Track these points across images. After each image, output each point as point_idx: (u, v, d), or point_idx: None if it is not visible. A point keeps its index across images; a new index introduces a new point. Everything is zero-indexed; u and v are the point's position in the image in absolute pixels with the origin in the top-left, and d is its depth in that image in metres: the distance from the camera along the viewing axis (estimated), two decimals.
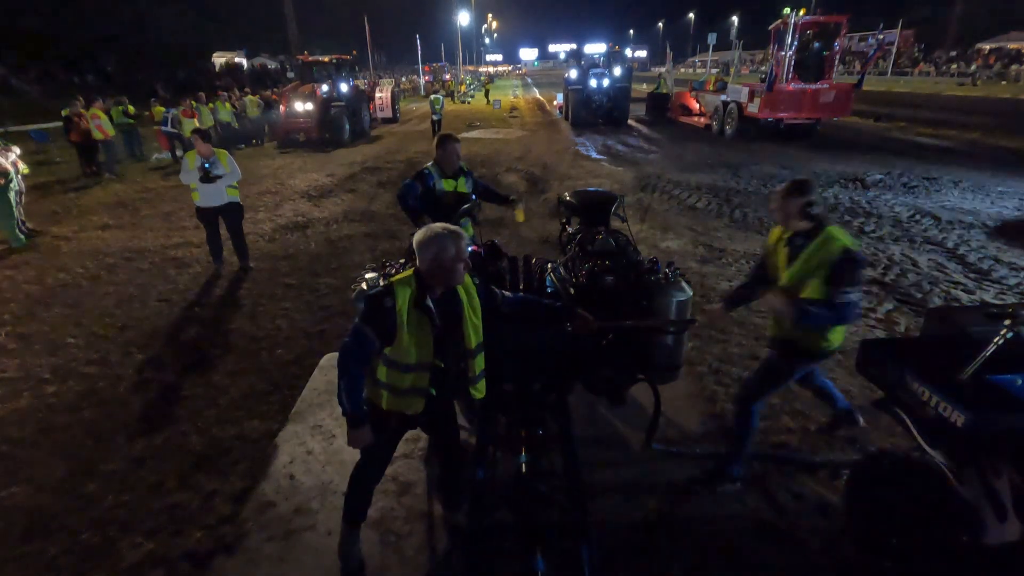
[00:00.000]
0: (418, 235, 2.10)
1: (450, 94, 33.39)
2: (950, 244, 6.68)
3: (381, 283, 2.49)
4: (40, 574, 2.54)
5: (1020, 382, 1.92)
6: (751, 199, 8.99)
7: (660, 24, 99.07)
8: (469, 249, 2.17)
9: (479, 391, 2.32)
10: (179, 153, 13.64)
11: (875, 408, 2.44)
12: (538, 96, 36.40)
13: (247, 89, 23.62)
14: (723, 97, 16.42)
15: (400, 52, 68.61)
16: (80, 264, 6.60)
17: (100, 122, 11.92)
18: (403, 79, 45.06)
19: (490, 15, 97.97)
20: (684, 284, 2.82)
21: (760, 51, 50.30)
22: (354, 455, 2.44)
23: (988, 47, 48.17)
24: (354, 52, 29.22)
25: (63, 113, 12.02)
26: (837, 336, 2.61)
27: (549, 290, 3.01)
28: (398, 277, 2.15)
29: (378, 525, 2.69)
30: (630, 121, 19.76)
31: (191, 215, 7.01)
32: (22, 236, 7.28)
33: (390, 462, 2.55)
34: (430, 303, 2.09)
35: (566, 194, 3.70)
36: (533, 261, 3.36)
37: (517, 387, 2.67)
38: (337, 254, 6.83)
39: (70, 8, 40.45)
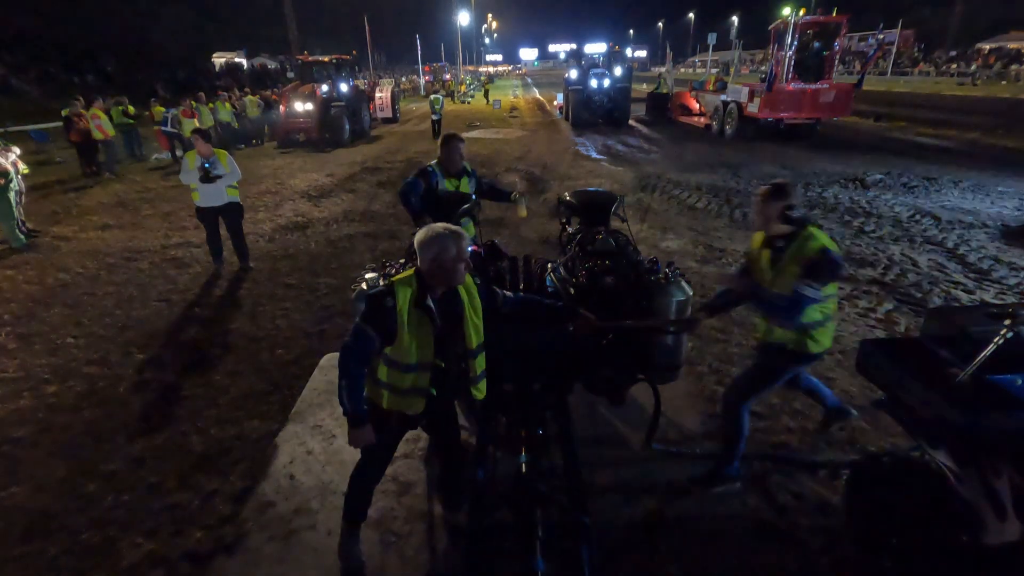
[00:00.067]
0: (419, 235, 2.10)
1: (450, 94, 33.39)
2: (950, 244, 6.68)
3: (381, 283, 2.49)
4: (40, 574, 2.54)
5: (1020, 382, 1.92)
6: (751, 199, 8.98)
7: (660, 24, 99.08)
8: (469, 249, 2.17)
9: (480, 391, 2.33)
10: (179, 153, 13.64)
11: (875, 408, 2.44)
12: (538, 96, 36.40)
13: (247, 89, 23.60)
14: (723, 97, 16.41)
15: (400, 52, 68.58)
16: (80, 264, 6.60)
17: (100, 122, 11.92)
18: (403, 79, 45.06)
19: (490, 15, 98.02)
20: (684, 284, 2.82)
21: (760, 51, 50.31)
22: (354, 455, 2.44)
23: (988, 47, 48.16)
24: (354, 52, 29.26)
25: (63, 113, 12.02)
26: (825, 338, 2.60)
27: (549, 290, 3.01)
28: (399, 277, 2.15)
29: (378, 525, 2.69)
30: (630, 121, 19.74)
31: (191, 215, 7.01)
32: (22, 236, 7.28)
33: (390, 462, 2.55)
34: (431, 303, 2.09)
35: (566, 194, 3.70)
36: (533, 261, 3.36)
37: (517, 387, 2.67)
38: (337, 254, 6.83)
39: (70, 8, 40.44)
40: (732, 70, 28.35)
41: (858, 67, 30.50)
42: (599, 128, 18.53)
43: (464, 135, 4.45)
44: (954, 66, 45.46)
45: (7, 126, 14.16)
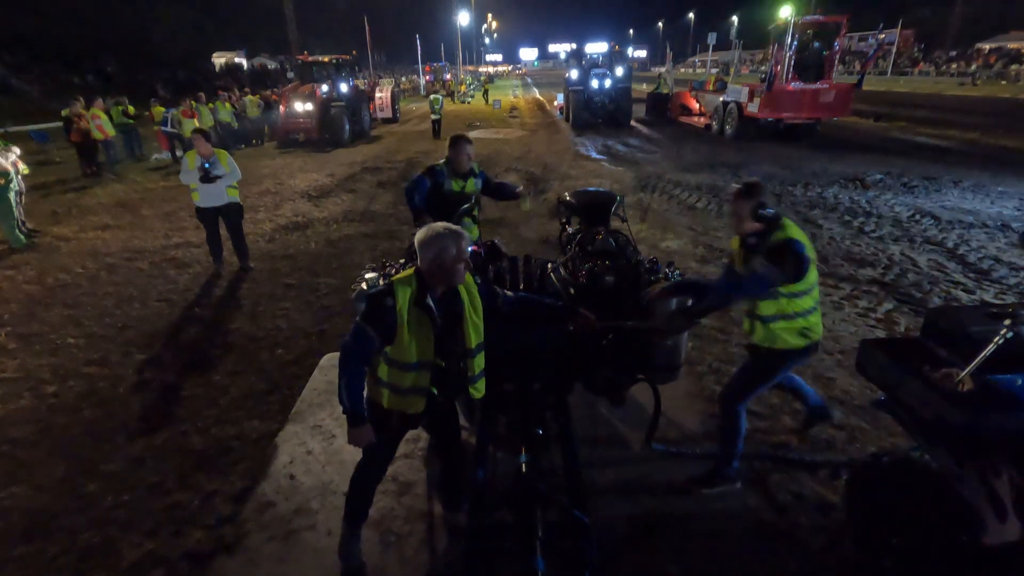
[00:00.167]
0: (419, 234, 2.10)
1: (450, 94, 33.39)
2: (950, 244, 6.68)
3: (381, 283, 2.49)
4: (40, 574, 2.54)
5: (1020, 382, 1.92)
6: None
7: (660, 24, 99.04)
8: (469, 249, 2.17)
9: (478, 390, 2.33)
10: (179, 153, 13.65)
11: (875, 408, 2.44)
12: (538, 96, 36.41)
13: (247, 89, 23.61)
14: (723, 97, 16.41)
15: (400, 52, 68.61)
16: (80, 264, 6.60)
17: (100, 122, 11.93)
18: (403, 79, 45.06)
19: (490, 15, 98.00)
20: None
21: (760, 51, 50.29)
22: (354, 455, 2.44)
23: (988, 47, 48.16)
24: (354, 52, 29.27)
25: (63, 113, 12.03)
26: (811, 332, 2.60)
27: (550, 290, 3.01)
28: (399, 276, 2.15)
29: (378, 525, 2.69)
30: (631, 121, 19.72)
31: (191, 215, 7.01)
32: (22, 236, 7.28)
33: (391, 461, 2.55)
34: (431, 302, 2.09)
35: (566, 194, 3.70)
36: (533, 261, 3.36)
37: (517, 387, 2.67)
38: (337, 254, 6.84)
39: (70, 8, 40.43)
40: (732, 70, 28.34)
41: (858, 67, 30.47)
42: (599, 128, 18.50)
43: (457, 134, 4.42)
44: (954, 66, 45.46)
45: (7, 126, 14.14)
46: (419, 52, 43.78)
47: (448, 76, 43.41)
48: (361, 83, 23.53)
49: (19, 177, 7.41)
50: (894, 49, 47.16)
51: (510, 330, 2.52)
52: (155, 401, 3.86)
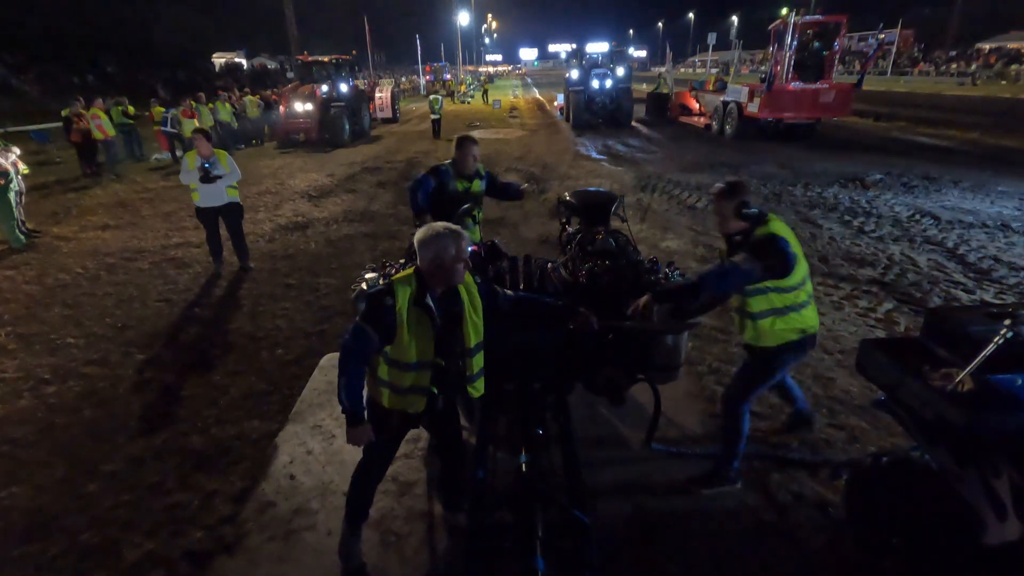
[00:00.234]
0: (419, 234, 2.10)
1: (450, 94, 33.40)
2: (950, 244, 6.68)
3: (381, 283, 2.49)
4: (40, 574, 2.54)
5: (1020, 382, 1.92)
6: (751, 199, 8.97)
7: (660, 24, 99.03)
8: (469, 249, 2.18)
9: (477, 389, 2.33)
10: (179, 153, 13.65)
11: (875, 408, 2.44)
12: (538, 96, 36.41)
13: (247, 89, 23.61)
14: (723, 97, 16.41)
15: (400, 52, 68.62)
16: (80, 264, 6.60)
17: (100, 122, 11.93)
18: (403, 79, 45.06)
19: (490, 15, 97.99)
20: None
21: (760, 51, 50.30)
22: (354, 455, 2.44)
23: (988, 47, 48.17)
24: (354, 52, 29.26)
25: (63, 113, 12.04)
26: (803, 325, 2.59)
27: (550, 290, 3.01)
28: (398, 276, 2.15)
29: (378, 525, 2.69)
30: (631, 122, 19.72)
31: (191, 215, 7.01)
32: (22, 236, 7.29)
33: (391, 461, 2.55)
34: (430, 302, 2.09)
35: (566, 194, 3.70)
36: (533, 261, 3.36)
37: (517, 387, 2.67)
38: (337, 254, 6.84)
39: (70, 8, 40.43)
40: (732, 70, 28.37)
41: (858, 67, 30.50)
42: (599, 128, 18.50)
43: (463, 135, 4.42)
44: (954, 66, 45.46)
45: (7, 126, 14.15)
46: (419, 52, 43.81)
47: (448, 76, 43.43)
48: (361, 83, 23.54)
49: (19, 177, 7.41)
50: (894, 49, 47.16)
51: (510, 330, 2.52)
52: (155, 401, 3.86)
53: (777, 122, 14.67)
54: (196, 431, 3.50)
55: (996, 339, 1.89)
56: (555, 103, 24.19)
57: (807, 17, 14.84)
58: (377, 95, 22.47)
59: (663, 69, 26.41)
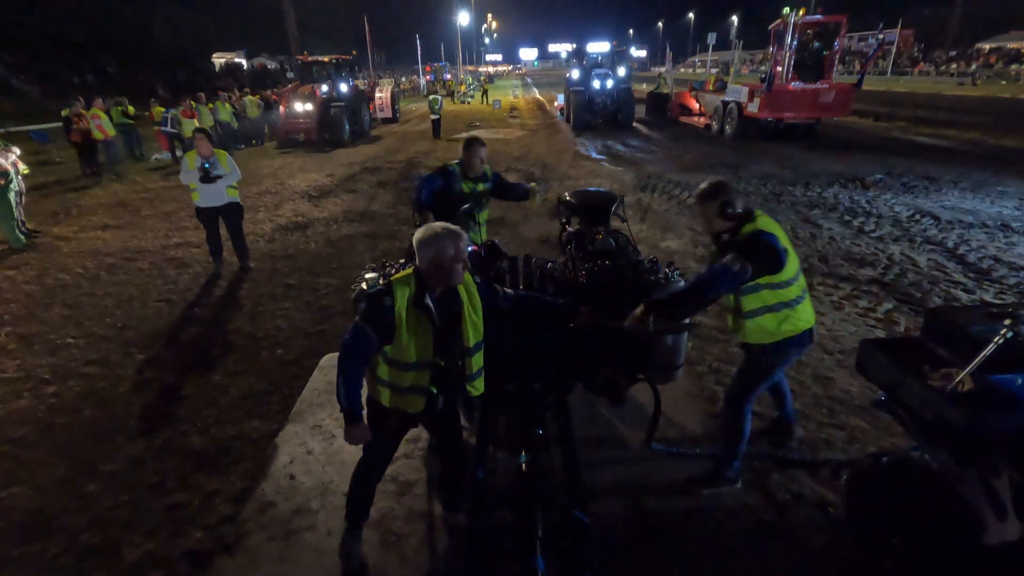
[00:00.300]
0: (417, 234, 2.10)
1: (450, 94, 33.40)
2: (950, 244, 6.68)
3: (381, 283, 2.49)
4: (40, 574, 2.54)
5: (1020, 382, 1.92)
6: (751, 199, 8.99)
7: (660, 24, 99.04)
8: (469, 249, 2.18)
9: (477, 388, 2.33)
10: (179, 153, 13.65)
11: (875, 408, 2.44)
12: (538, 96, 36.41)
13: (247, 89, 23.60)
14: (723, 97, 16.41)
15: (400, 52, 68.61)
16: (80, 264, 6.60)
17: (100, 122, 11.93)
18: (403, 79, 45.07)
19: (490, 15, 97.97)
20: (684, 284, 2.82)
21: (760, 51, 50.31)
22: (354, 455, 2.44)
23: (988, 47, 48.19)
24: (354, 52, 29.24)
25: (63, 113, 12.04)
26: (797, 322, 2.57)
27: (550, 290, 3.01)
28: (397, 276, 2.15)
29: (378, 525, 2.69)
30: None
31: (191, 215, 7.01)
32: (22, 236, 7.29)
33: (391, 461, 2.55)
34: (429, 302, 2.10)
35: (566, 194, 3.70)
36: (533, 261, 3.36)
37: (517, 387, 2.67)
38: (337, 254, 6.83)
39: (70, 8, 40.44)
40: (732, 70, 28.36)
41: (858, 67, 30.50)
42: (599, 128, 18.48)
43: (464, 135, 4.42)
44: (954, 66, 45.47)
45: (7, 126, 14.15)
46: (419, 52, 43.81)
47: (448, 76, 43.43)
48: (361, 83, 23.53)
49: (19, 177, 7.41)
50: (894, 49, 47.16)
51: (510, 330, 2.52)
52: (155, 401, 3.86)
53: (777, 122, 14.67)
54: (196, 431, 3.50)
55: (996, 339, 1.89)
56: (555, 103, 24.17)
57: (807, 17, 14.82)
58: (377, 95, 22.47)
59: (663, 69, 26.41)
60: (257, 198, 9.71)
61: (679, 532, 2.65)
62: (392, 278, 2.15)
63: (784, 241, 2.47)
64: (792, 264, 2.51)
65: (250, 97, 18.44)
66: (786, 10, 14.11)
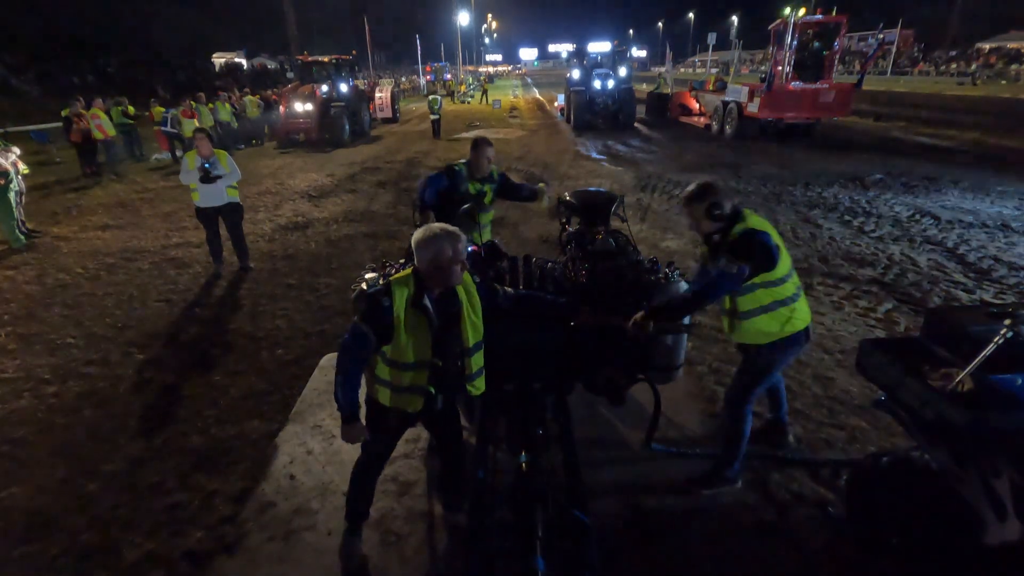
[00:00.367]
0: (416, 235, 2.11)
1: (450, 94, 33.41)
2: (950, 244, 6.68)
3: (381, 283, 2.49)
4: (40, 574, 2.54)
5: (1020, 382, 1.92)
6: (751, 199, 8.99)
7: (660, 24, 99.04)
8: (469, 249, 2.18)
9: (476, 388, 2.33)
10: (179, 153, 13.66)
11: (875, 408, 2.44)
12: (538, 96, 36.40)
13: (247, 89, 23.61)
14: (723, 97, 16.41)
15: (400, 52, 68.63)
16: (80, 264, 6.60)
17: (100, 122, 11.94)
18: (403, 79, 45.07)
19: (490, 15, 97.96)
20: (684, 284, 2.82)
21: (760, 51, 50.33)
22: (354, 455, 2.45)
23: (988, 47, 48.19)
24: (354, 52, 29.20)
25: (63, 113, 12.04)
26: (796, 320, 2.57)
27: (549, 290, 3.01)
28: (396, 277, 2.15)
29: (378, 525, 2.69)
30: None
31: (191, 215, 7.01)
32: (22, 236, 7.29)
33: (390, 461, 2.55)
34: (428, 303, 2.10)
35: (566, 194, 3.70)
36: (533, 261, 3.36)
37: (517, 387, 2.67)
38: (337, 254, 6.84)
39: (70, 8, 40.47)
40: (732, 70, 28.37)
41: (858, 67, 30.51)
42: (599, 128, 18.46)
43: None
44: (954, 66, 45.48)
45: (7, 126, 14.15)
46: (419, 52, 43.80)
47: (448, 76, 43.42)
48: (361, 83, 23.54)
49: (19, 177, 7.41)
50: (894, 49, 47.17)
51: (510, 330, 2.52)
52: (155, 401, 3.86)
53: (777, 122, 14.67)
54: (196, 431, 3.50)
55: (996, 339, 1.89)
56: (555, 103, 24.16)
57: (807, 17, 14.83)
58: (377, 95, 22.48)
59: (663, 69, 26.42)
60: (257, 198, 9.71)
61: (679, 532, 2.65)
62: (391, 279, 2.15)
63: (776, 238, 2.48)
64: (785, 261, 2.51)
65: (250, 97, 18.44)
66: (786, 10, 14.11)
